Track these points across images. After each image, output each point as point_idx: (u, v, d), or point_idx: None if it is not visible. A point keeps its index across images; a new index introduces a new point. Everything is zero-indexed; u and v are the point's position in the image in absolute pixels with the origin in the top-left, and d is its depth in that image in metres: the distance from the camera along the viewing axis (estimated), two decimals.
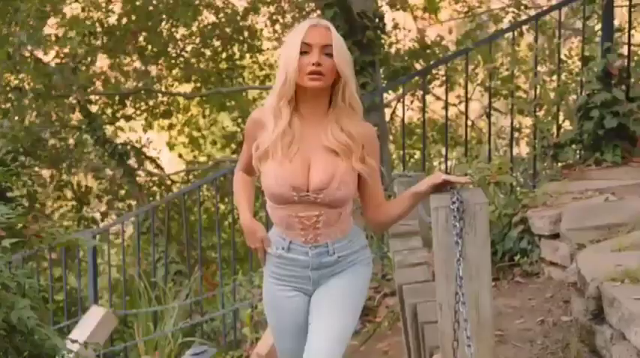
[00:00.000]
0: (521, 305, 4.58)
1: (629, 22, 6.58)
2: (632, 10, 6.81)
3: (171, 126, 16.84)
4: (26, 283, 3.37)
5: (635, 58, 6.87)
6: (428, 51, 13.44)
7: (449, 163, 7.37)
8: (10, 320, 3.11)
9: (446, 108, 7.20)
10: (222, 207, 14.00)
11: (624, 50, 6.46)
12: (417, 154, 14.37)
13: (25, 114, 12.28)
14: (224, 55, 15.00)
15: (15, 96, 12.38)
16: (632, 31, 6.90)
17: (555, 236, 4.78)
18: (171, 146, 17.20)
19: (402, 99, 7.48)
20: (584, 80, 6.40)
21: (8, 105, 12.11)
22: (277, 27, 14.87)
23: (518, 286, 5.13)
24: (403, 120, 7.80)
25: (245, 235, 3.30)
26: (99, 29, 13.49)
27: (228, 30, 14.59)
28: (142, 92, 15.36)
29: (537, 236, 5.14)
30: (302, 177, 3.00)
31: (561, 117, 6.80)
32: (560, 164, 6.39)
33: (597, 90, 6.17)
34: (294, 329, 3.23)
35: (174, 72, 15.46)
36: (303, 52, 2.92)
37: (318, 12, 11.84)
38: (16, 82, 12.56)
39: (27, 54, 12.41)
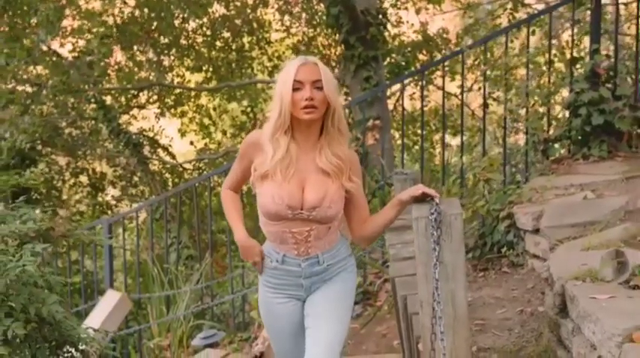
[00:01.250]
0: (504, 295, 4.86)
1: (616, 24, 6.79)
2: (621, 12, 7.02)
3: (182, 114, 17.04)
4: (54, 280, 3.69)
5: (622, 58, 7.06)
6: (430, 43, 13.64)
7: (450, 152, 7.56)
8: (42, 313, 3.42)
9: (443, 106, 7.39)
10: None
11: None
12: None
13: (43, 108, 12.48)
14: (234, 46, 15.13)
15: (34, 91, 12.60)
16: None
17: (537, 231, 4.98)
18: (182, 133, 17.33)
19: (401, 96, 7.67)
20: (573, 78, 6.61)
21: (28, 100, 12.28)
22: (286, 18, 15.09)
23: (504, 276, 5.39)
24: (403, 116, 7.98)
25: (241, 250, 3.47)
26: (111, 21, 13.68)
27: (237, 22, 14.76)
28: (154, 87, 15.54)
29: (522, 230, 5.36)
30: (297, 197, 3.21)
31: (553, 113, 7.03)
32: (550, 158, 6.55)
33: (585, 89, 6.34)
34: (290, 330, 3.42)
35: (185, 62, 15.64)
36: (295, 89, 3.14)
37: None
38: (35, 77, 12.78)
39: (45, 48, 12.61)
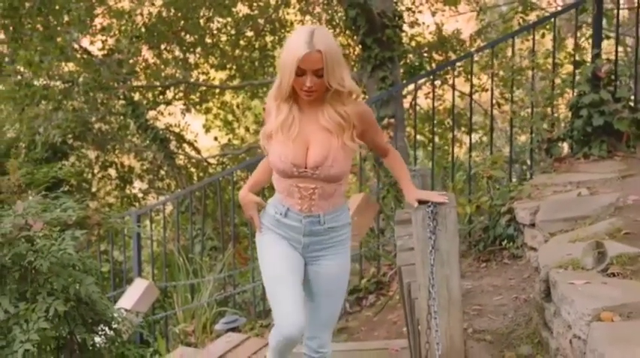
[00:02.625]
0: (502, 283, 5.14)
1: (617, 29, 7.01)
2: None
3: (207, 111, 17.31)
4: (90, 263, 4.02)
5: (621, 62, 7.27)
6: (445, 43, 13.84)
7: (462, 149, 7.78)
8: (79, 293, 3.73)
9: (452, 106, 7.65)
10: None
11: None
12: (436, 139, 14.80)
13: (74, 104, 12.80)
14: (257, 45, 15.32)
15: (67, 87, 12.90)
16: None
17: (534, 225, 5.20)
18: (207, 129, 17.60)
19: (414, 96, 7.92)
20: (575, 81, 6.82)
21: (60, 97, 12.60)
22: (307, 18, 15.31)
23: (504, 267, 5.66)
24: (415, 115, 8.25)
25: (242, 206, 3.60)
26: (140, 20, 13.96)
27: (260, 21, 15.00)
28: (180, 85, 15.81)
29: (521, 224, 5.59)
30: (301, 156, 3.30)
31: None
32: (553, 157, 6.72)
33: (586, 91, 6.55)
34: (288, 256, 3.44)
35: (210, 60, 15.88)
36: (298, 74, 3.20)
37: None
38: (68, 75, 13.08)
39: (76, 46, 12.94)
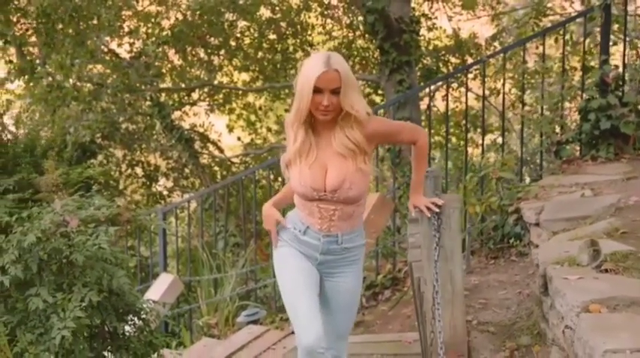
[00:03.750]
0: (507, 279, 5.36)
1: (624, 36, 7.16)
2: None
3: (231, 111, 17.52)
4: (121, 257, 4.26)
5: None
6: (462, 46, 14.01)
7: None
8: (112, 285, 3.96)
9: (466, 109, 7.85)
10: (275, 186, 14.62)
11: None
12: (453, 139, 14.96)
13: (103, 105, 13.08)
14: (279, 48, 15.46)
15: (96, 89, 13.16)
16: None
17: (539, 224, 5.31)
18: (230, 128, 17.81)
19: (429, 100, 8.12)
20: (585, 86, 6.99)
21: (90, 98, 12.86)
22: (328, 22, 15.50)
23: (511, 264, 5.88)
24: (430, 118, 8.43)
25: (263, 218, 3.65)
26: (165, 24, 14.21)
27: (283, 25, 15.19)
28: (205, 87, 16.03)
29: (527, 223, 5.70)
30: (320, 180, 3.37)
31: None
32: (562, 159, 6.90)
33: (595, 96, 6.75)
34: (305, 270, 3.49)
35: (234, 62, 16.07)
36: (315, 92, 3.26)
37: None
38: (98, 77, 13.35)
39: (105, 49, 13.23)
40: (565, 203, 5.42)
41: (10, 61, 13.64)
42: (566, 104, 7.41)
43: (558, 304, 3.46)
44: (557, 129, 7.17)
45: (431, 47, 14.24)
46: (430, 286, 3.72)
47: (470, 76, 12.78)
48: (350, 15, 14.95)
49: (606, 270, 3.67)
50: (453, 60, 14.21)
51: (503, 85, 7.46)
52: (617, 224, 4.57)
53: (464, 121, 14.51)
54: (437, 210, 3.74)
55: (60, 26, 10.58)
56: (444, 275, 3.70)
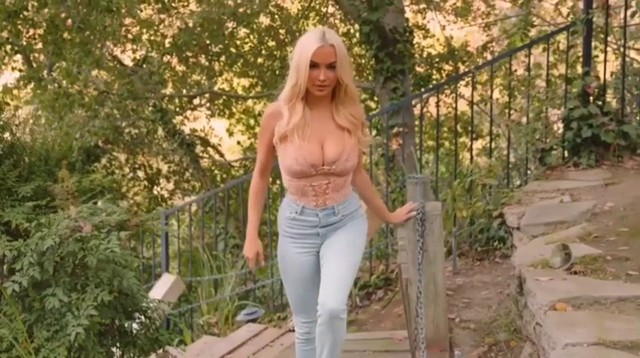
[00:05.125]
0: (490, 280, 5.64)
1: (605, 48, 7.43)
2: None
3: (231, 115, 17.79)
4: (130, 260, 4.53)
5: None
6: (455, 53, 14.27)
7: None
8: (122, 285, 4.22)
9: (455, 119, 8.10)
10: (274, 188, 14.84)
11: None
12: (447, 143, 15.21)
13: (108, 111, 13.31)
14: (278, 55, 15.68)
15: (101, 96, 13.42)
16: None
17: (520, 228, 5.55)
18: (230, 133, 18.06)
19: (421, 110, 8.36)
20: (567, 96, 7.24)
21: (96, 105, 13.10)
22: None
23: (495, 265, 6.15)
24: (421, 126, 8.66)
25: (246, 245, 3.76)
26: (168, 32, 14.46)
27: (282, 32, 15.44)
28: (206, 95, 16.26)
29: (510, 227, 5.96)
30: (317, 154, 3.41)
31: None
32: (546, 165, 7.14)
33: (576, 106, 7.00)
34: (303, 278, 3.62)
35: (234, 68, 16.28)
36: (311, 66, 3.28)
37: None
38: (104, 85, 13.58)
39: (109, 56, 13.47)
40: (545, 208, 5.68)
41: (20, 70, 13.91)
42: (555, 110, 7.65)
43: (530, 303, 3.76)
44: (541, 137, 7.41)
45: (424, 55, 14.48)
46: (414, 287, 4.01)
47: (462, 82, 13.07)
48: (347, 23, 15.18)
49: (575, 272, 3.96)
50: (446, 67, 14.45)
51: (491, 96, 7.72)
52: (591, 228, 4.86)
53: (458, 126, 14.82)
54: (414, 214, 3.99)
55: (67, 35, 10.81)
56: (428, 277, 3.99)
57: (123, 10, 11.92)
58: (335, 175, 3.47)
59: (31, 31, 10.78)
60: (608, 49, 8.20)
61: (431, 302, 4.04)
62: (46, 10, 10.40)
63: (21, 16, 9.95)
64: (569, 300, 3.49)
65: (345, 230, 3.58)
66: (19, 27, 10.33)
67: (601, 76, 7.35)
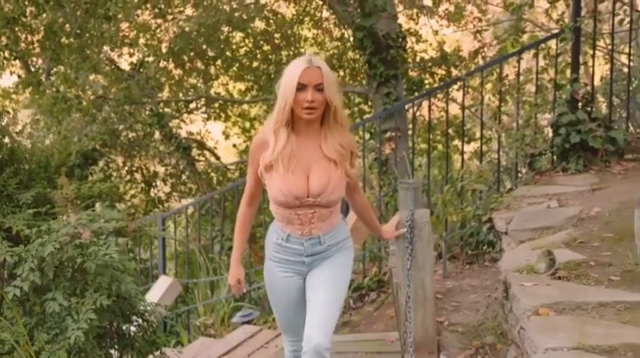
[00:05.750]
0: (479, 284, 5.75)
1: (593, 56, 7.54)
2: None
3: (227, 118, 17.83)
4: (128, 265, 4.62)
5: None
6: (448, 57, 14.35)
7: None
8: (120, 290, 4.31)
9: (447, 125, 8.22)
10: None
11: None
12: (439, 147, 15.29)
13: (107, 117, 13.41)
14: (273, 59, 15.68)
15: (99, 100, 13.51)
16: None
17: (508, 233, 5.72)
18: (226, 136, 18.13)
19: (414, 115, 8.47)
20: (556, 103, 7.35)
21: (94, 110, 13.18)
22: (319, 33, 15.79)
23: (484, 269, 6.25)
24: (414, 130, 8.78)
25: (230, 273, 3.77)
26: (165, 37, 14.50)
27: (277, 36, 15.46)
28: (202, 99, 16.34)
29: (499, 232, 6.11)
30: (302, 186, 3.34)
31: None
32: (535, 170, 7.28)
33: (565, 112, 7.13)
34: (290, 301, 3.57)
35: (229, 71, 16.32)
36: (299, 89, 3.24)
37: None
38: (102, 89, 13.67)
39: (107, 61, 13.56)
40: (532, 213, 5.79)
41: (19, 76, 13.98)
42: (547, 114, 7.75)
43: (515, 308, 3.87)
44: (531, 142, 7.51)
45: (417, 59, 14.56)
46: (404, 291, 4.12)
47: (455, 86, 13.12)
48: (341, 27, 15.25)
49: (560, 278, 4.08)
50: (439, 71, 14.53)
51: (482, 102, 7.84)
52: (576, 234, 4.98)
53: (449, 130, 14.93)
54: (404, 231, 4.07)
55: (65, 40, 10.90)
56: (416, 282, 4.09)
57: (119, 16, 12.02)
58: (320, 206, 3.41)
59: (30, 37, 10.86)
60: (600, 54, 8.31)
61: (420, 307, 4.15)
62: (44, 16, 10.49)
63: (19, 22, 10.04)
64: (552, 305, 3.60)
65: (331, 262, 3.52)
66: (18, 33, 10.42)
67: (590, 82, 7.46)
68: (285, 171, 3.33)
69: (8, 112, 5.40)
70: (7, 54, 11.41)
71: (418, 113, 11.77)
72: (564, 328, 3.33)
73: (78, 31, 10.11)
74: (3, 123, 5.04)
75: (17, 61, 14.07)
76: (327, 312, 3.44)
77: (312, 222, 3.42)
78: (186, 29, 12.90)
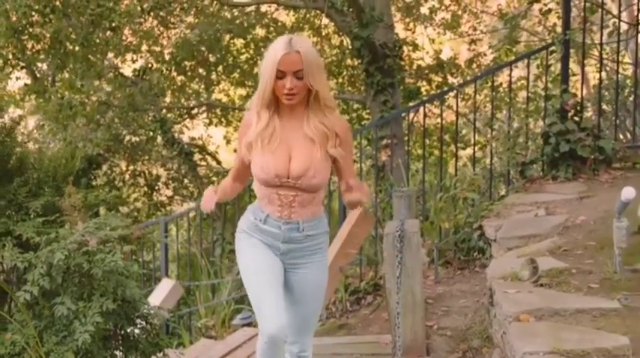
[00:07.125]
0: (468, 289, 5.92)
1: (582, 68, 7.73)
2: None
3: (228, 124, 18.02)
4: (132, 270, 4.79)
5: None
6: (444, 65, 14.54)
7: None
8: (125, 294, 4.50)
9: (441, 132, 8.40)
10: None
11: None
12: (436, 152, 15.42)
13: (111, 122, 13.59)
14: None
15: (103, 106, 13.70)
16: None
17: (497, 240, 5.91)
18: (227, 141, 18.22)
19: (409, 123, 8.64)
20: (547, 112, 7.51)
21: (98, 116, 13.35)
22: (318, 39, 15.94)
23: (475, 275, 6.43)
24: (409, 139, 8.92)
25: (203, 199, 3.59)
26: (167, 44, 14.69)
27: None
28: (203, 106, 16.52)
29: (489, 239, 6.28)
30: (283, 166, 3.24)
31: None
32: (525, 178, 7.45)
33: (555, 122, 7.28)
34: (266, 263, 3.36)
35: (230, 77, 16.48)
36: (278, 77, 3.12)
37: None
38: (106, 95, 13.84)
39: (111, 68, 13.73)
40: (521, 221, 5.96)
41: (25, 84, 14.14)
42: (540, 123, 7.90)
43: (498, 313, 4.06)
44: (522, 150, 7.68)
45: (414, 67, 14.73)
46: (394, 297, 4.30)
47: (450, 94, 13.28)
48: (339, 34, 15.39)
49: (542, 285, 4.26)
50: (435, 78, 14.70)
51: (475, 111, 8.02)
52: (561, 242, 5.16)
53: (446, 136, 15.07)
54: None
55: (70, 46, 11.04)
56: (406, 289, 4.27)
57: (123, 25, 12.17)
58: (302, 190, 3.29)
59: (36, 46, 11.01)
60: (594, 62, 8.47)
61: (409, 312, 4.32)
62: (50, 24, 10.64)
63: (25, 32, 10.21)
64: (532, 312, 3.79)
65: (306, 272, 3.44)
66: (25, 42, 10.58)
67: (579, 93, 7.63)
68: (266, 148, 3.26)
69: (18, 123, 5.59)
70: (13, 62, 11.54)
71: (415, 119, 11.91)
72: (542, 333, 3.51)
73: (84, 43, 10.27)
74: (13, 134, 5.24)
75: (23, 69, 14.26)
76: (306, 324, 3.53)
77: (292, 206, 3.31)
78: (189, 35, 13.06)
